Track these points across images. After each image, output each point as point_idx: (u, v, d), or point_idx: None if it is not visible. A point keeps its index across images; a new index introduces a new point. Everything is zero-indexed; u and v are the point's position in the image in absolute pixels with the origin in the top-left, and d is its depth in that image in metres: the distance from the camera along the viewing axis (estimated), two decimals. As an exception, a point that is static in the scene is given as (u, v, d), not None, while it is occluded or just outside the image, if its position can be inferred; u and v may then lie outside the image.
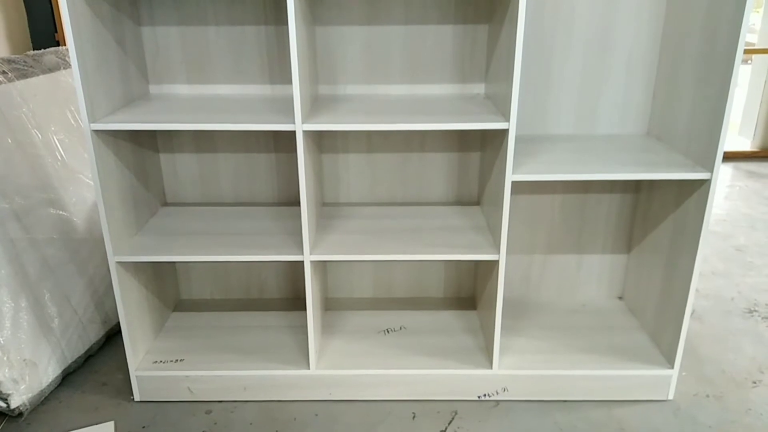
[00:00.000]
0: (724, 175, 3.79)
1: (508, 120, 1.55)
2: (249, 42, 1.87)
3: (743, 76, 4.53)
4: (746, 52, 3.98)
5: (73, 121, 2.09)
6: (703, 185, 1.59)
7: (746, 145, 4.24)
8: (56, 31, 3.60)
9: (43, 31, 3.52)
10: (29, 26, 3.51)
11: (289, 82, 1.92)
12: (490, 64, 1.82)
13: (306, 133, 1.59)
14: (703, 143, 1.59)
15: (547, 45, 1.86)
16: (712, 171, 1.55)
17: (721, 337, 2.14)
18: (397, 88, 1.94)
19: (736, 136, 4.38)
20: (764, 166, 3.98)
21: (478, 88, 1.93)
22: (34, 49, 3.54)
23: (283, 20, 1.84)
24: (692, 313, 2.27)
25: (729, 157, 4.08)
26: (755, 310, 2.32)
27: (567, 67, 1.89)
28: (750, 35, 4.69)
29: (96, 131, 1.55)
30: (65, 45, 3.54)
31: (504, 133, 1.59)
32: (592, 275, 2.18)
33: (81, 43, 1.48)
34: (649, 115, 1.94)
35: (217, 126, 1.54)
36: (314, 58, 1.84)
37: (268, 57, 1.89)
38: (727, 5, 1.46)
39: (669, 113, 1.79)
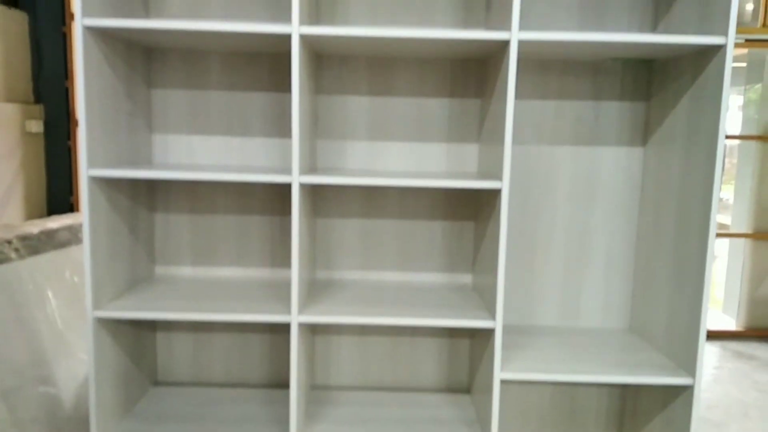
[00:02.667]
0: (711, 356, 3.81)
1: (494, 318, 1.63)
2: (254, 229, 2.01)
3: (721, 250, 4.74)
4: (719, 236, 4.22)
5: (76, 296, 2.15)
6: (687, 389, 1.62)
7: (731, 324, 4.31)
8: (72, 194, 3.80)
9: (60, 198, 3.73)
10: (47, 191, 3.72)
11: (289, 266, 2.02)
12: (477, 256, 1.94)
13: (301, 324, 1.66)
14: (683, 345, 1.65)
15: (530, 241, 2.00)
16: (694, 377, 1.60)
17: None
18: (390, 274, 2.04)
19: (720, 314, 4.47)
20: (751, 346, 4.02)
21: (466, 278, 2.04)
22: (49, 214, 3.72)
23: (287, 211, 2.00)
24: None
25: (715, 336, 4.14)
26: None
27: (549, 262, 2.01)
28: (722, 215, 4.98)
29: (98, 318, 1.61)
30: (79, 210, 3.73)
31: (491, 332, 1.66)
32: (585, 469, 2.12)
33: (96, 235, 1.60)
34: (630, 310, 2.03)
35: (216, 317, 1.61)
36: (313, 245, 1.97)
37: (271, 243, 2.02)
38: (696, 202, 1.62)
39: (648, 311, 1.88)
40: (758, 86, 4.28)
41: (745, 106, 4.45)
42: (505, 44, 1.56)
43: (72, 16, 3.55)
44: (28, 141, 3.51)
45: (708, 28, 1.56)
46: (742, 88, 4.51)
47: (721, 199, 1.53)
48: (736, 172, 4.42)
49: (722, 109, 1.51)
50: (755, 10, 4.08)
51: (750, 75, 4.42)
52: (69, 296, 2.13)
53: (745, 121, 4.38)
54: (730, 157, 5.38)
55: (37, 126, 3.53)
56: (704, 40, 1.50)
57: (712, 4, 1.55)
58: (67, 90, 3.65)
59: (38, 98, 3.64)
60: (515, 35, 1.51)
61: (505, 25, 1.56)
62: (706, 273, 1.56)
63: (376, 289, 1.92)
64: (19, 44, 3.47)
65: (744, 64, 4.54)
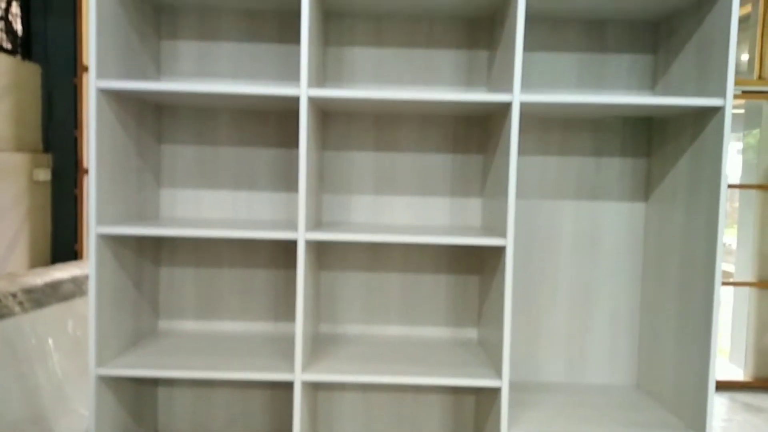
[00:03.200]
0: (720, 408, 3.74)
1: (500, 377, 1.62)
2: (258, 283, 2.01)
3: (726, 298, 4.70)
4: (724, 284, 4.19)
5: (78, 349, 2.14)
6: (696, 451, 1.59)
7: (739, 373, 4.25)
8: (77, 242, 3.81)
9: (65, 246, 3.74)
10: (53, 239, 3.74)
11: (292, 320, 2.02)
12: (482, 310, 1.93)
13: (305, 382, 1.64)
14: (691, 402, 1.63)
15: (535, 296, 2.00)
16: (703, 437, 1.57)
17: None
18: (394, 329, 2.03)
19: (727, 363, 4.41)
20: (760, 397, 3.95)
21: (471, 333, 2.03)
22: (53, 261, 3.72)
23: (291, 265, 2.00)
24: None
25: (722, 386, 4.06)
26: None
27: (555, 317, 2.00)
28: (726, 263, 4.97)
29: (101, 376, 1.60)
30: (83, 257, 3.74)
31: (497, 390, 1.64)
32: None
33: (101, 292, 1.60)
34: (636, 365, 2.01)
35: (219, 375, 1.60)
36: (317, 299, 1.97)
37: (275, 296, 2.01)
38: (699, 257, 1.62)
39: (655, 366, 1.86)
40: (756, 131, 4.33)
41: (744, 151, 4.50)
42: (507, 105, 1.59)
43: (84, 68, 3.64)
44: (35, 189, 3.55)
45: (706, 88, 1.60)
46: (741, 133, 4.56)
47: (724, 244, 1.53)
48: (738, 217, 4.42)
49: (723, 168, 1.53)
50: (751, 60, 4.17)
51: (748, 121, 4.48)
52: (71, 349, 2.12)
53: (745, 166, 4.42)
54: (732, 201, 5.40)
55: (44, 174, 3.58)
56: (703, 102, 1.53)
57: (709, 65, 1.59)
58: (75, 139, 3.71)
59: (47, 147, 3.70)
60: (517, 97, 1.55)
61: (507, 87, 1.60)
62: (713, 328, 1.55)
63: (380, 345, 1.91)
64: (30, 95, 3.55)
65: (742, 111, 4.61)
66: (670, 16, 1.82)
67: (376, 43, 1.93)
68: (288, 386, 2.04)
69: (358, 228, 1.80)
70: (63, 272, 2.52)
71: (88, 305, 1.57)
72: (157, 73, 1.93)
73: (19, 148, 3.47)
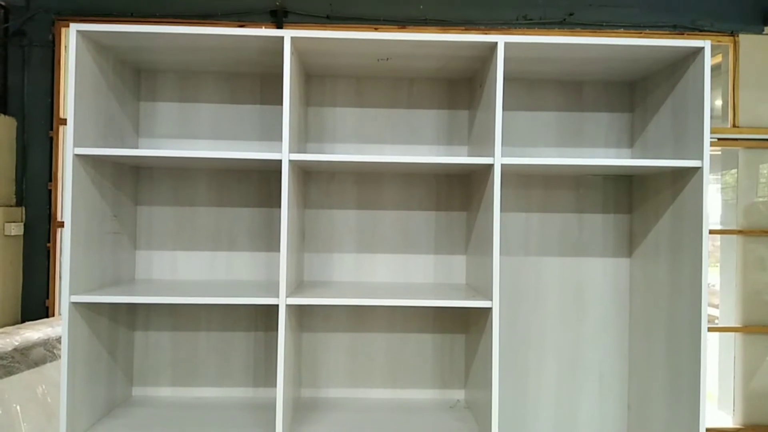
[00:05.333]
0: (711, 457, 3.69)
1: (489, 444, 1.57)
2: (237, 347, 1.95)
3: (712, 343, 4.69)
4: (710, 330, 4.19)
5: (49, 416, 2.04)
6: None
7: (727, 420, 4.21)
8: (48, 297, 3.70)
9: (36, 301, 3.63)
10: (23, 293, 3.63)
11: (273, 385, 1.95)
12: (469, 371, 1.89)
13: (286, 455, 1.57)
14: (684, 470, 1.59)
15: (522, 355, 1.96)
16: (698, 504, 1.52)
17: None
18: (379, 392, 1.97)
19: (716, 409, 4.38)
20: (750, 445, 3.91)
21: (459, 394, 1.98)
22: (23, 316, 3.60)
23: (271, 327, 1.95)
24: None
25: (712, 433, 4.02)
26: None
27: (542, 377, 1.97)
28: (711, 308, 4.98)
29: (71, 453, 1.52)
30: (54, 314, 3.62)
31: (486, 459, 1.58)
32: None
33: (74, 362, 1.53)
34: (626, 424, 1.96)
35: (197, 449, 1.52)
36: (299, 362, 1.91)
37: (255, 361, 1.95)
38: (684, 310, 1.60)
39: (645, 424, 1.82)
40: (734, 171, 4.41)
41: (723, 190, 4.58)
42: (489, 167, 1.59)
43: (61, 121, 3.60)
44: (6, 244, 3.46)
45: (683, 148, 1.62)
46: (719, 173, 4.66)
47: (708, 285, 1.54)
48: (720, 257, 4.46)
49: (704, 225, 1.53)
50: (724, 106, 4.28)
51: (725, 161, 4.57)
52: (40, 417, 2.01)
53: (725, 205, 4.50)
54: (713, 240, 5.47)
55: (17, 229, 3.49)
56: (681, 163, 1.55)
57: (685, 126, 1.61)
58: (50, 192, 3.65)
59: (20, 200, 3.62)
60: (498, 159, 1.55)
61: (488, 147, 1.60)
62: (702, 380, 1.53)
63: (365, 410, 1.85)
64: (5, 149, 3.49)
65: (719, 152, 4.71)
66: (645, 78, 1.85)
67: (357, 103, 1.94)
68: (269, 454, 1.95)
69: (340, 288, 1.76)
70: (34, 332, 2.42)
71: (60, 375, 1.50)
72: (136, 135, 1.91)
73: (-8, 203, 3.40)
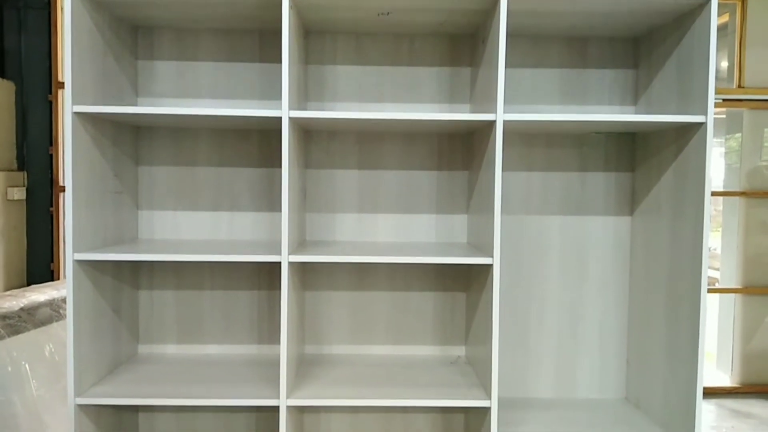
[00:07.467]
0: (707, 415, 3.76)
1: (489, 396, 1.59)
2: (240, 305, 1.97)
3: (711, 304, 4.73)
4: (710, 291, 4.22)
5: (57, 374, 2.08)
6: (687, 468, 1.58)
7: (726, 379, 4.27)
8: (52, 261, 3.73)
9: (41, 265, 3.67)
10: (28, 258, 3.66)
11: (276, 342, 1.97)
12: (470, 328, 1.91)
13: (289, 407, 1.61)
14: (680, 414, 1.61)
15: (523, 312, 1.98)
16: (693, 452, 1.56)
17: None
18: (381, 348, 2.00)
19: (714, 369, 4.44)
20: (747, 403, 3.97)
21: (459, 350, 2.01)
22: (29, 280, 3.64)
23: (275, 286, 1.97)
24: None
25: (710, 393, 4.09)
26: None
27: (543, 332, 1.99)
28: (711, 270, 5.00)
29: (80, 405, 1.55)
30: (59, 278, 3.66)
31: (486, 410, 1.62)
32: None
33: (79, 319, 1.55)
34: (625, 378, 2.00)
35: (201, 402, 1.56)
36: (302, 320, 1.93)
37: (258, 319, 1.98)
38: (685, 268, 1.61)
39: (644, 379, 1.85)
40: (738, 135, 4.38)
41: (727, 155, 4.55)
42: (491, 123, 1.58)
43: (60, 85, 3.58)
44: (9, 208, 3.47)
45: (688, 104, 1.60)
46: (723, 138, 4.62)
47: (709, 249, 1.54)
48: (722, 221, 4.47)
49: (706, 183, 1.53)
50: (730, 67, 4.22)
51: (730, 125, 4.54)
52: (49, 375, 2.06)
53: (728, 170, 4.48)
54: (715, 205, 5.46)
55: (19, 193, 3.50)
56: (685, 119, 1.53)
57: (690, 81, 1.59)
58: (51, 156, 3.64)
59: (21, 165, 3.62)
60: (500, 116, 1.53)
61: (490, 104, 1.59)
62: (701, 338, 1.55)
63: (367, 366, 1.88)
64: (5, 114, 3.47)
65: (723, 116, 4.66)
66: (650, 33, 1.82)
67: (357, 60, 1.91)
68: (273, 409, 1.99)
69: (342, 247, 1.77)
70: (39, 294, 2.45)
71: (67, 332, 1.52)
72: (135, 94, 1.89)
73: (-6, 167, 3.40)
